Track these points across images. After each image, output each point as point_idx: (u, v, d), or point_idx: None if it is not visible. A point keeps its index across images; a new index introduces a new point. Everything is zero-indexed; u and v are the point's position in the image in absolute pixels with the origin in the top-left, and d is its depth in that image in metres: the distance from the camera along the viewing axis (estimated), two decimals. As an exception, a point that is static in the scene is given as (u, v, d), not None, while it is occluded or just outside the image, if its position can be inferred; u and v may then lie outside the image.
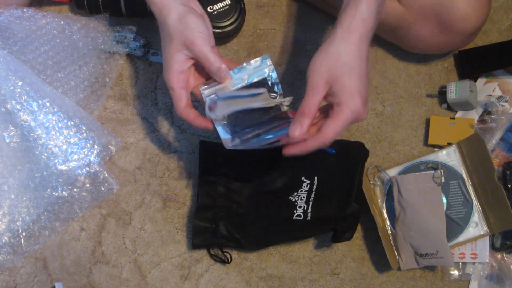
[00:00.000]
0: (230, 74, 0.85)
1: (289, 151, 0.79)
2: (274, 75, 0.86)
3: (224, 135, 0.84)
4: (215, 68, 0.83)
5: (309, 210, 1.00)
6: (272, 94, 0.86)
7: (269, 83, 0.86)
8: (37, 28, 1.06)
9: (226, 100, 0.85)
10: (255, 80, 0.86)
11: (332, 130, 0.77)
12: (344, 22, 0.78)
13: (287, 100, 0.85)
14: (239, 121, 0.85)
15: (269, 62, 0.86)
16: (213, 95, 0.86)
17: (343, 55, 0.77)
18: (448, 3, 0.96)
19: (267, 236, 1.01)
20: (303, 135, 0.78)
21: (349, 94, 0.77)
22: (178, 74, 0.84)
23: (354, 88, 0.77)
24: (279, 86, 0.86)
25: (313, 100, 0.78)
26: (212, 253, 1.04)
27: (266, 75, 0.86)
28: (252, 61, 0.86)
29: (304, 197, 1.01)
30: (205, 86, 0.86)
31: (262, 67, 0.87)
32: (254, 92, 0.86)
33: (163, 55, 0.85)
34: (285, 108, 0.85)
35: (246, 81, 0.86)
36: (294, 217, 1.00)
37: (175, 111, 0.86)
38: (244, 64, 0.86)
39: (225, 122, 0.85)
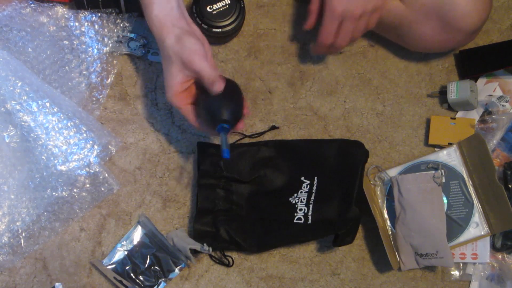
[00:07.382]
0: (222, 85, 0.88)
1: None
2: None
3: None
4: (212, 77, 0.87)
5: (310, 213, 1.00)
6: None
7: None
8: (37, 28, 1.06)
9: None
10: None
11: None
12: None
13: None
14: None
15: None
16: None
17: None
18: (449, 1, 0.96)
19: (268, 240, 1.00)
20: None
21: None
22: (181, 94, 0.90)
23: None
24: None
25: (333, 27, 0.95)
26: (213, 255, 1.03)
27: None
28: None
29: (304, 199, 1.00)
30: None
31: None
32: None
33: (164, 76, 0.90)
34: None
35: None
36: (294, 221, 1.00)
37: (191, 125, 0.91)
38: None
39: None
